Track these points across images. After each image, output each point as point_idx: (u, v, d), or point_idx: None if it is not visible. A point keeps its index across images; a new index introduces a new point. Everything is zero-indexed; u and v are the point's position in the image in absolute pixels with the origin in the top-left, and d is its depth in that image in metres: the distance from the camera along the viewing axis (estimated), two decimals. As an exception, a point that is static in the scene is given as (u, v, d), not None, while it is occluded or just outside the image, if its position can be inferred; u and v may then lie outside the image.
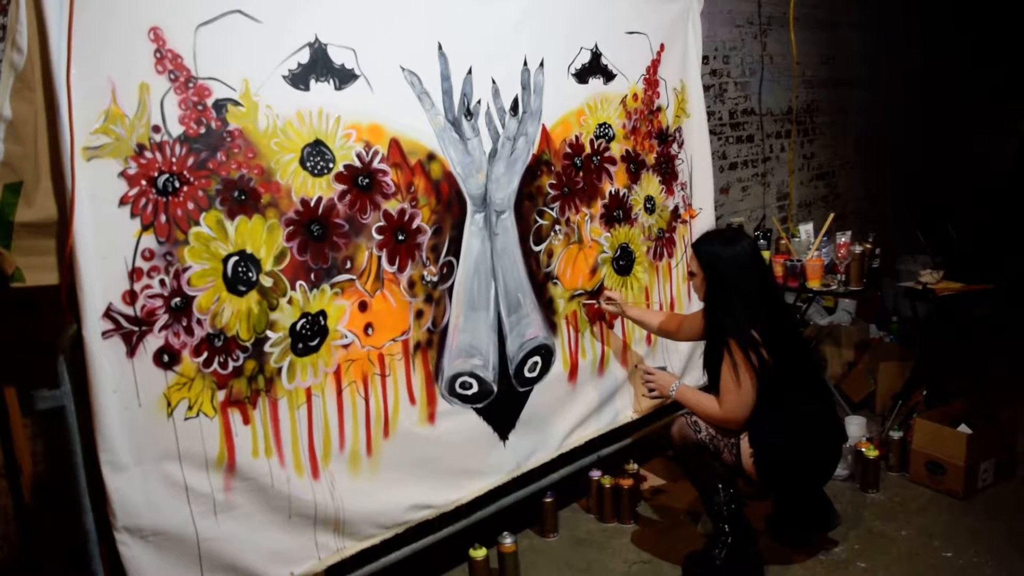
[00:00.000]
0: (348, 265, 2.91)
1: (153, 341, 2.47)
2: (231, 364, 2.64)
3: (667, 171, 4.20)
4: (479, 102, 3.28)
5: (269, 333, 2.72)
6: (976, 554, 3.52)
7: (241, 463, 2.69)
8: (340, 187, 2.86)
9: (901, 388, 4.88)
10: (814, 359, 4.44)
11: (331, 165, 2.83)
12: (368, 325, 3.00)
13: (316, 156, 2.79)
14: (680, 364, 4.36)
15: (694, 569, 3.45)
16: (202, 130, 2.52)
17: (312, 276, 2.81)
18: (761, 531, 3.63)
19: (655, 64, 4.06)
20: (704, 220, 4.44)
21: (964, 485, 3.97)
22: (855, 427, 4.45)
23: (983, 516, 3.83)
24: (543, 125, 3.54)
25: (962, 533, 3.70)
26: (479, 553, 3.37)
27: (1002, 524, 3.75)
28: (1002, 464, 4.11)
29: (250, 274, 2.65)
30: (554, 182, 3.61)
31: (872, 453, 4.11)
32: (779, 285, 4.57)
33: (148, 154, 2.41)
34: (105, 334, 2.37)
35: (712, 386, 3.48)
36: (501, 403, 3.48)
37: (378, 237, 2.99)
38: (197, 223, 2.53)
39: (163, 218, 2.45)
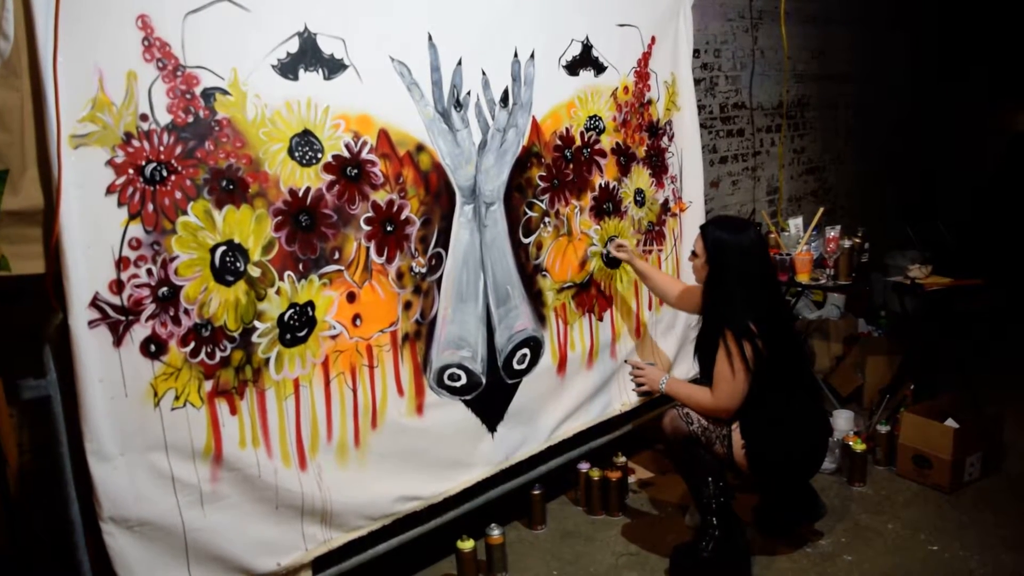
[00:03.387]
0: (336, 256, 2.91)
1: (140, 331, 2.46)
2: (218, 354, 2.64)
3: (657, 164, 4.20)
4: (469, 93, 3.27)
5: (257, 323, 2.71)
6: (962, 547, 3.54)
7: (228, 454, 2.68)
8: (328, 177, 2.85)
9: (889, 382, 4.90)
10: (804, 353, 4.45)
11: (320, 155, 2.82)
12: (356, 316, 2.99)
13: (305, 146, 2.78)
14: (670, 356, 4.36)
15: (682, 561, 3.45)
16: (190, 119, 2.51)
17: (300, 266, 2.81)
18: (748, 523, 3.63)
19: (646, 57, 4.06)
20: (694, 214, 4.44)
21: (950, 479, 3.98)
22: (843, 421, 4.46)
23: (969, 510, 3.85)
24: (533, 117, 3.53)
25: (948, 526, 3.71)
26: (467, 545, 3.36)
27: (988, 517, 3.77)
28: (988, 458, 4.13)
29: (238, 264, 2.64)
30: (544, 174, 3.61)
31: (859, 447, 4.12)
32: (778, 278, 4.58)
33: (135, 143, 2.40)
34: (91, 323, 2.36)
35: (703, 372, 3.50)
36: (490, 395, 3.48)
37: (366, 228, 2.98)
38: (185, 212, 2.51)
39: (150, 207, 2.44)
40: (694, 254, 3.50)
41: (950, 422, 4.14)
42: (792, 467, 3.43)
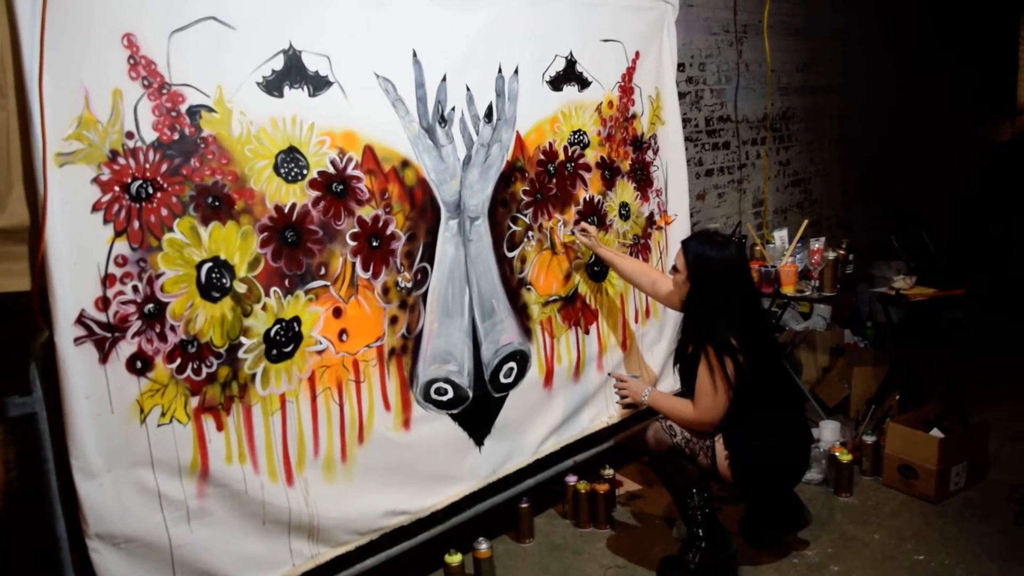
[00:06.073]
0: (322, 271, 2.92)
1: (126, 347, 2.46)
2: (204, 370, 2.64)
3: (642, 178, 4.23)
4: (453, 109, 3.30)
5: (243, 339, 2.72)
6: (947, 556, 3.56)
7: (214, 469, 2.68)
8: (314, 193, 2.87)
9: (875, 393, 4.92)
10: (787, 365, 4.47)
11: (305, 171, 2.84)
12: (342, 331, 3.00)
13: (290, 162, 2.79)
14: (655, 371, 4.38)
15: (668, 573, 3.47)
16: (176, 136, 2.53)
17: (286, 282, 2.82)
18: (734, 534, 3.65)
19: (630, 71, 4.09)
20: (679, 227, 4.47)
21: (936, 489, 4.00)
22: (829, 431, 4.49)
23: (955, 519, 3.87)
24: (517, 132, 3.56)
25: (934, 536, 3.73)
26: (455, 559, 3.37)
27: (973, 527, 3.79)
28: (974, 467, 4.15)
29: (224, 280, 2.65)
30: (528, 188, 3.63)
31: (846, 457, 4.14)
32: (759, 292, 4.60)
33: (121, 160, 2.41)
34: (77, 340, 2.36)
35: (684, 384, 3.52)
36: (476, 409, 3.49)
37: (352, 243, 3.00)
38: (171, 229, 2.52)
39: (136, 224, 2.45)
40: (675, 269, 3.51)
41: (935, 432, 4.17)
42: (775, 476, 3.44)
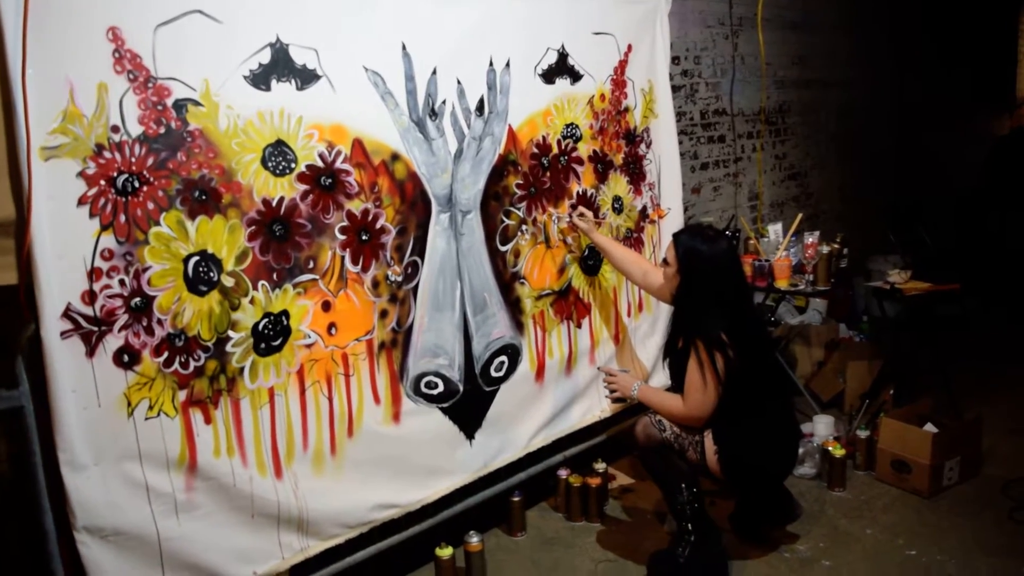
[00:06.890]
0: (311, 265, 2.92)
1: (113, 341, 2.47)
2: (192, 364, 2.64)
3: (635, 171, 4.22)
4: (444, 102, 3.29)
5: (231, 333, 2.72)
6: (940, 552, 3.55)
7: (203, 463, 2.69)
8: (302, 187, 2.87)
9: (869, 387, 4.91)
10: (778, 360, 4.47)
11: (293, 165, 2.83)
12: (331, 325, 3.00)
13: (278, 156, 2.79)
14: (647, 365, 4.37)
15: (658, 568, 3.46)
16: (162, 130, 2.52)
17: (274, 276, 2.82)
18: (724, 528, 3.65)
19: (622, 64, 4.08)
20: (673, 220, 4.46)
21: (929, 484, 4.00)
22: (823, 426, 4.48)
23: (947, 514, 3.87)
24: (509, 125, 3.55)
25: (927, 531, 3.73)
26: (445, 552, 3.37)
27: (966, 522, 3.78)
28: (967, 463, 4.14)
29: (211, 274, 2.65)
30: (521, 182, 3.63)
31: (839, 452, 4.14)
32: (751, 287, 4.59)
33: (107, 154, 2.41)
34: (64, 334, 2.36)
35: (673, 379, 3.52)
36: (467, 402, 3.49)
37: (341, 237, 3.00)
38: (157, 223, 2.53)
39: (122, 218, 2.45)
40: (665, 262, 3.51)
41: (929, 427, 4.16)
42: (764, 471, 3.45)
